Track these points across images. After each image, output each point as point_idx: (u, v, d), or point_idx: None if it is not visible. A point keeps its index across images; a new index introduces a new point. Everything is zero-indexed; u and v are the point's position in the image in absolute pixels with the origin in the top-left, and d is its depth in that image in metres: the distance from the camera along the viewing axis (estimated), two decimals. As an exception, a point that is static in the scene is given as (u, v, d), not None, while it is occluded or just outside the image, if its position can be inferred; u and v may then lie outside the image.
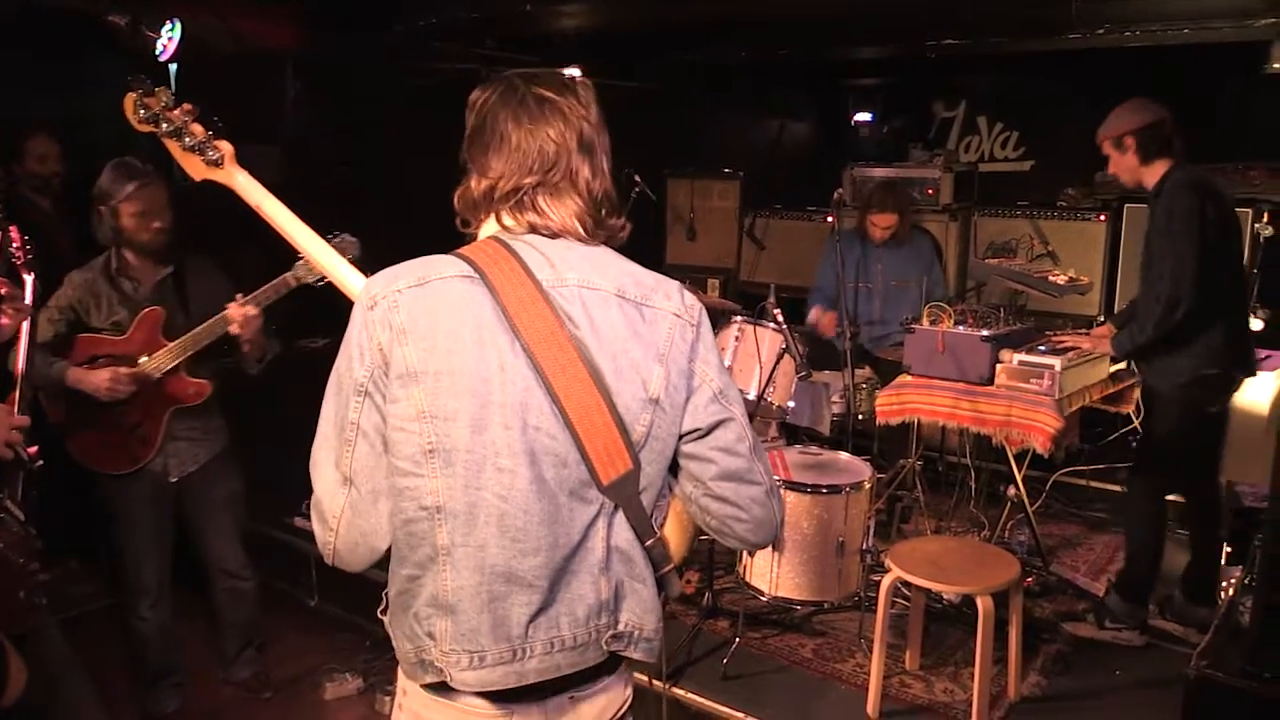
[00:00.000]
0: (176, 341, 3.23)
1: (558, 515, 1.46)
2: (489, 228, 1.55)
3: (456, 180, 1.58)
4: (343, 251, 1.83)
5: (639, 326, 1.49)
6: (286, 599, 4.37)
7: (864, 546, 3.71)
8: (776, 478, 1.82)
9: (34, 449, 2.51)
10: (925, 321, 4.07)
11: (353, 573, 1.55)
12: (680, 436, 1.53)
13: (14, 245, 2.66)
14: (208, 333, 3.20)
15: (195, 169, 1.89)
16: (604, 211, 1.54)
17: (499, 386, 1.43)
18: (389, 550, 1.52)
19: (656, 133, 6.25)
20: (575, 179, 1.50)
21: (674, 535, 1.62)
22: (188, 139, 1.87)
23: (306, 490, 4.44)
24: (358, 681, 3.79)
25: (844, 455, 4.05)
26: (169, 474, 3.39)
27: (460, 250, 1.50)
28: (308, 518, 4.51)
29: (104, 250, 3.34)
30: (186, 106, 1.88)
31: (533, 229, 1.51)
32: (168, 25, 4.24)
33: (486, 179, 1.51)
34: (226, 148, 1.88)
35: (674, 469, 1.57)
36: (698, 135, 7.04)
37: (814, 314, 5.16)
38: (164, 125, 1.88)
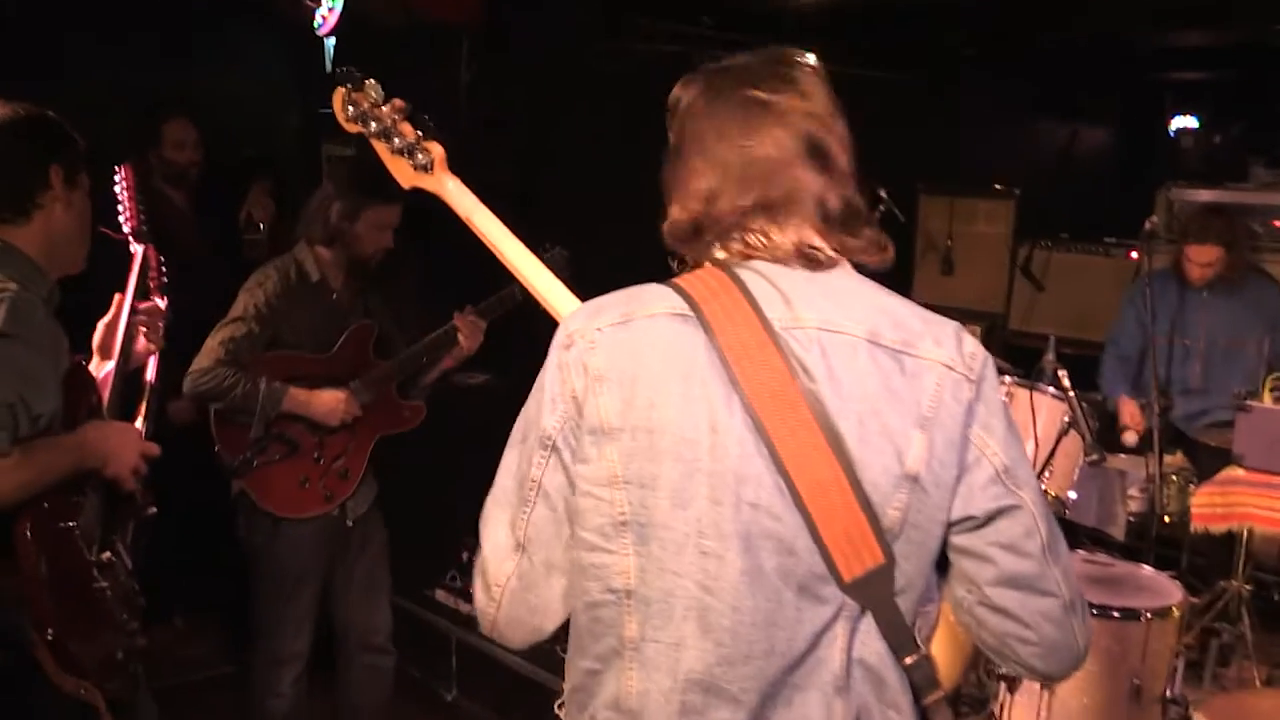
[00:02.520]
0: (395, 359, 3.54)
1: (779, 615, 1.44)
2: (725, 249, 1.56)
3: (656, 184, 1.59)
4: (554, 268, 1.93)
5: (895, 381, 1.46)
6: (419, 689, 4.49)
7: (1168, 694, 3.53)
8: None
9: (146, 494, 2.70)
10: (1266, 397, 3.87)
11: (512, 649, 1.65)
12: (949, 525, 1.48)
13: (152, 267, 2.94)
14: (430, 348, 3.50)
15: (404, 174, 2.03)
16: (845, 228, 1.53)
17: (709, 451, 1.43)
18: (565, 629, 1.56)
19: (909, 137, 6.20)
20: (802, 195, 1.50)
21: (944, 653, 1.58)
22: (396, 140, 2.01)
23: (451, 556, 4.51)
24: (497, 799, 3.84)
25: (1144, 569, 3.86)
26: (347, 516, 3.59)
27: (677, 279, 1.53)
28: (452, 590, 4.66)
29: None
30: (396, 103, 2.02)
31: (777, 248, 1.51)
32: (330, -7, 4.50)
33: (688, 208, 1.54)
34: (437, 151, 2.01)
35: (943, 566, 1.53)
36: (962, 141, 6.95)
37: (1121, 403, 4.95)
38: (372, 124, 2.03)
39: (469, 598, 4.56)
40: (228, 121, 4.81)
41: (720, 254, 1.54)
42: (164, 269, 2.98)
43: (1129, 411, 4.90)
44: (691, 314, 1.47)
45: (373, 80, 2.02)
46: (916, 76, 6.45)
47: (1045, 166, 7.40)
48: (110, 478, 2.45)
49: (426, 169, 2.00)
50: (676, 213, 1.56)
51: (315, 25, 4.52)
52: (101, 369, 2.71)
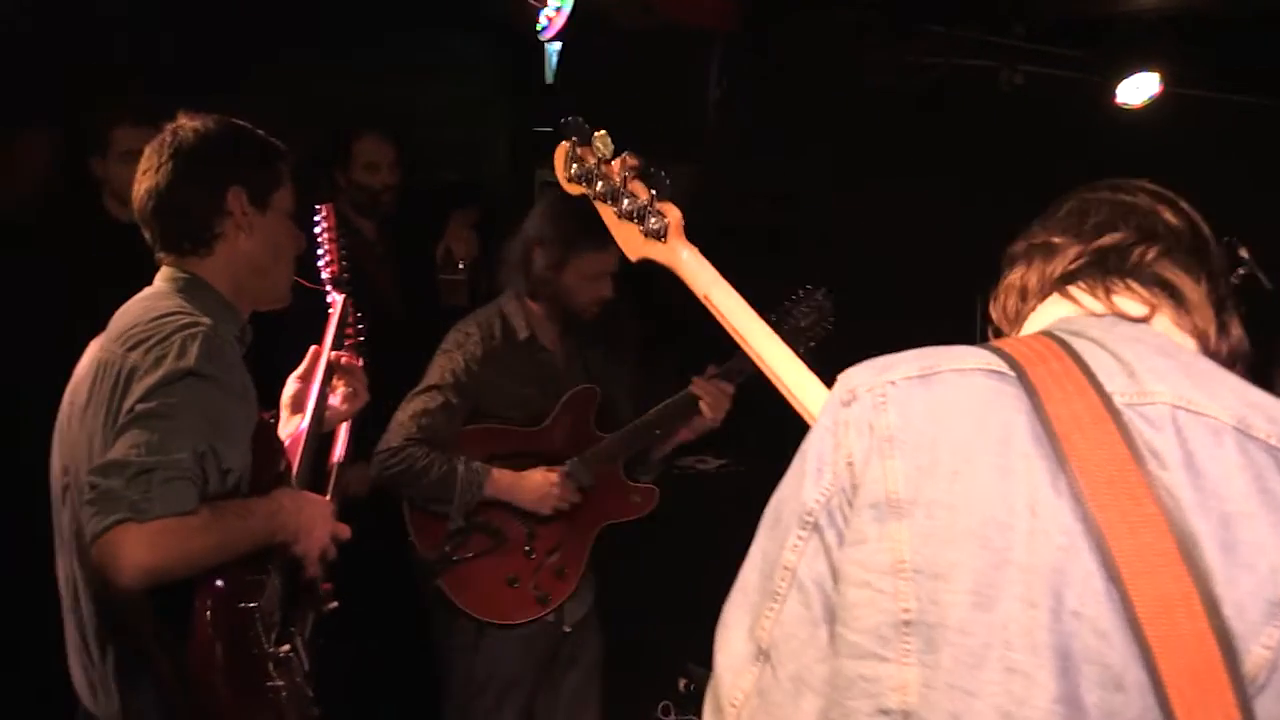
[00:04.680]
0: (622, 432, 3.52)
1: None
2: (1044, 316, 1.61)
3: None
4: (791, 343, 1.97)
5: (1272, 482, 1.39)
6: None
7: None
8: None
9: (328, 584, 2.79)
10: None
11: None
12: None
13: (349, 321, 3.06)
14: (666, 418, 3.47)
15: (631, 243, 2.09)
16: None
17: (1024, 539, 1.38)
18: None
19: (1280, 178, 5.92)
20: (1198, 259, 1.59)
21: None
22: (625, 202, 2.07)
23: (666, 682, 4.52)
24: None
25: None
26: (564, 620, 3.60)
27: (993, 341, 1.53)
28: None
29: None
30: (628, 159, 2.08)
31: (1117, 312, 1.55)
32: (559, -11, 4.56)
33: (1051, 261, 1.63)
34: (674, 215, 2.06)
35: None
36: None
37: None
38: (598, 184, 2.10)
39: (682, 739, 4.52)
40: (426, 140, 4.87)
41: (1085, 298, 1.61)
42: (361, 324, 3.12)
43: None
44: (1012, 373, 1.46)
45: (603, 132, 2.08)
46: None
47: None
48: (297, 556, 2.54)
49: (659, 236, 2.05)
50: (1022, 271, 1.69)
51: (538, 28, 4.47)
52: (288, 428, 2.79)
